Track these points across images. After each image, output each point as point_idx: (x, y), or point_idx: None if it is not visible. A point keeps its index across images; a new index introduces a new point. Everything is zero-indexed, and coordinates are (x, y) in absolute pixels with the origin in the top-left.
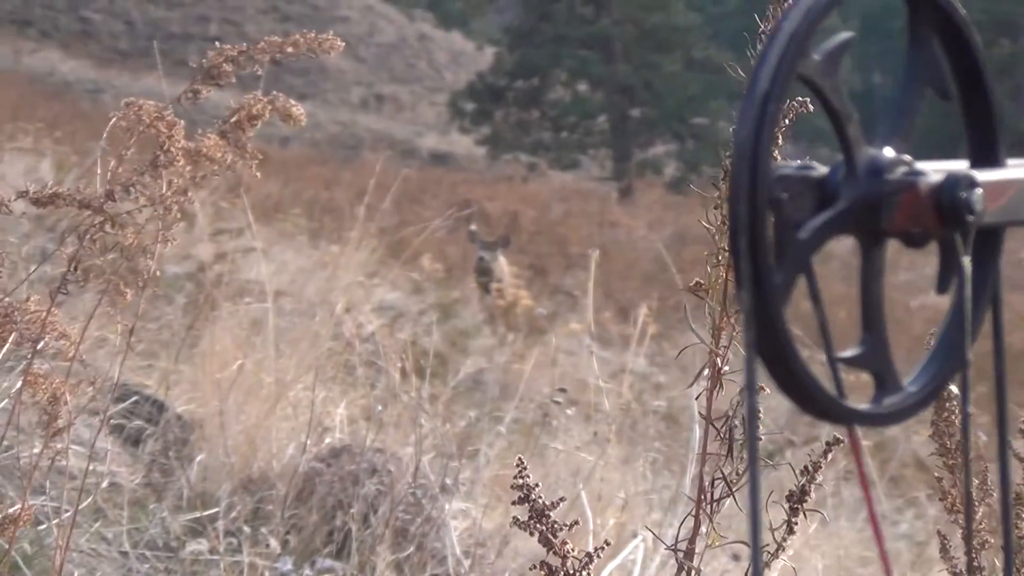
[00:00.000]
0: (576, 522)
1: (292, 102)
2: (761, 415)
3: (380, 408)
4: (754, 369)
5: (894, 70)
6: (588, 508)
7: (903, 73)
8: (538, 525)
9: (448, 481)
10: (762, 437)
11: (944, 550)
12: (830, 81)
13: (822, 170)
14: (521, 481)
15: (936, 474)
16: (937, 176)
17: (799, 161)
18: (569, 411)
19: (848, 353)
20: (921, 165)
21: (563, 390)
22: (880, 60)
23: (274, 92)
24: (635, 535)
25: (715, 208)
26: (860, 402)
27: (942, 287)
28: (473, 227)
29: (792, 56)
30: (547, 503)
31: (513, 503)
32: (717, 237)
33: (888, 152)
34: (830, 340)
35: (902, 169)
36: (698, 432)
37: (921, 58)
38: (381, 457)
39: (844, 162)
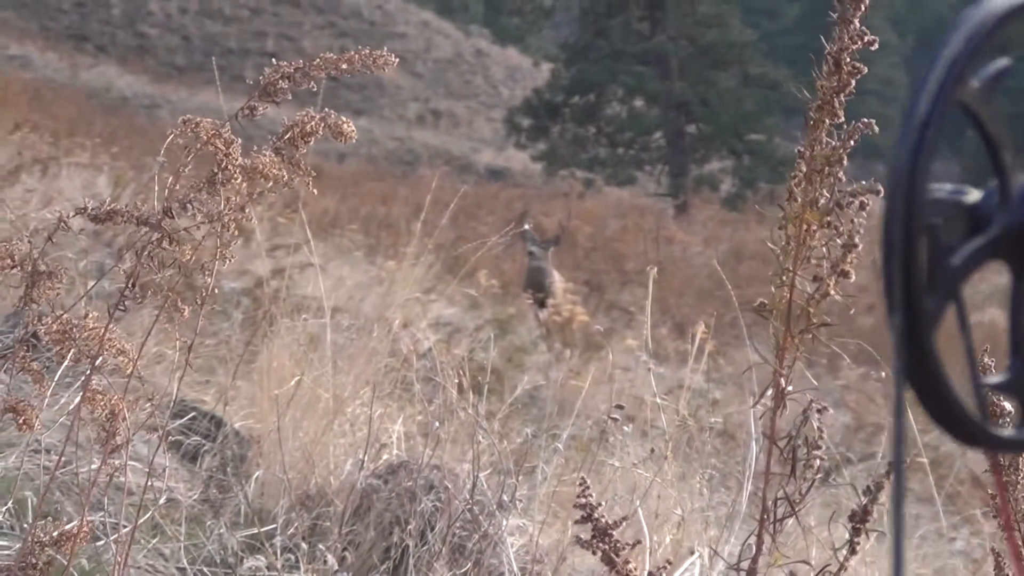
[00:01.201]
0: (638, 541)
1: (344, 119)
2: (824, 434)
3: (437, 424)
4: (903, 394)
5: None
6: (645, 525)
7: None
8: (601, 544)
9: (505, 498)
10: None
11: (998, 567)
12: (988, 107)
13: (975, 195)
14: (584, 500)
15: (990, 491)
16: None
17: (951, 185)
18: (626, 428)
19: (996, 379)
20: None
21: (620, 406)
22: None
23: (329, 108)
24: (692, 552)
25: (779, 228)
26: (1006, 429)
27: None
28: (526, 226)
29: (952, 82)
30: (610, 522)
31: (576, 522)
32: (781, 256)
33: None
34: (977, 366)
35: None
36: (755, 449)
37: None
38: (438, 473)
39: (998, 188)
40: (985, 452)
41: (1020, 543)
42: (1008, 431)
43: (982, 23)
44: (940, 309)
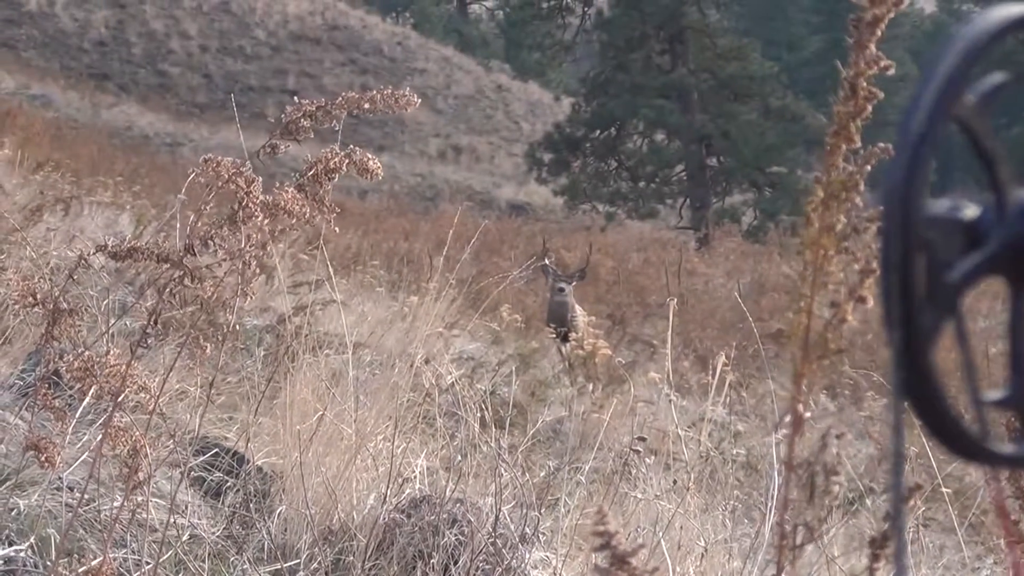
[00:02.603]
0: (656, 568)
1: (369, 156)
2: (843, 460)
3: (460, 458)
4: (901, 410)
5: (1014, 112)
6: (668, 556)
7: None
8: (619, 572)
9: (528, 531)
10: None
11: None
12: (983, 123)
13: (973, 211)
14: (602, 528)
15: (1014, 518)
16: None
17: (948, 200)
18: (648, 460)
19: (995, 396)
20: None
21: (642, 439)
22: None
23: (351, 145)
24: None
25: (797, 254)
26: (1006, 445)
27: None
28: (547, 262)
29: (948, 98)
30: (627, 549)
31: (594, 549)
32: (799, 283)
33: None
34: (976, 382)
35: None
36: (777, 480)
37: None
38: (461, 507)
39: (995, 204)
40: (984, 469)
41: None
42: (1008, 448)
43: (976, 38)
44: (938, 325)
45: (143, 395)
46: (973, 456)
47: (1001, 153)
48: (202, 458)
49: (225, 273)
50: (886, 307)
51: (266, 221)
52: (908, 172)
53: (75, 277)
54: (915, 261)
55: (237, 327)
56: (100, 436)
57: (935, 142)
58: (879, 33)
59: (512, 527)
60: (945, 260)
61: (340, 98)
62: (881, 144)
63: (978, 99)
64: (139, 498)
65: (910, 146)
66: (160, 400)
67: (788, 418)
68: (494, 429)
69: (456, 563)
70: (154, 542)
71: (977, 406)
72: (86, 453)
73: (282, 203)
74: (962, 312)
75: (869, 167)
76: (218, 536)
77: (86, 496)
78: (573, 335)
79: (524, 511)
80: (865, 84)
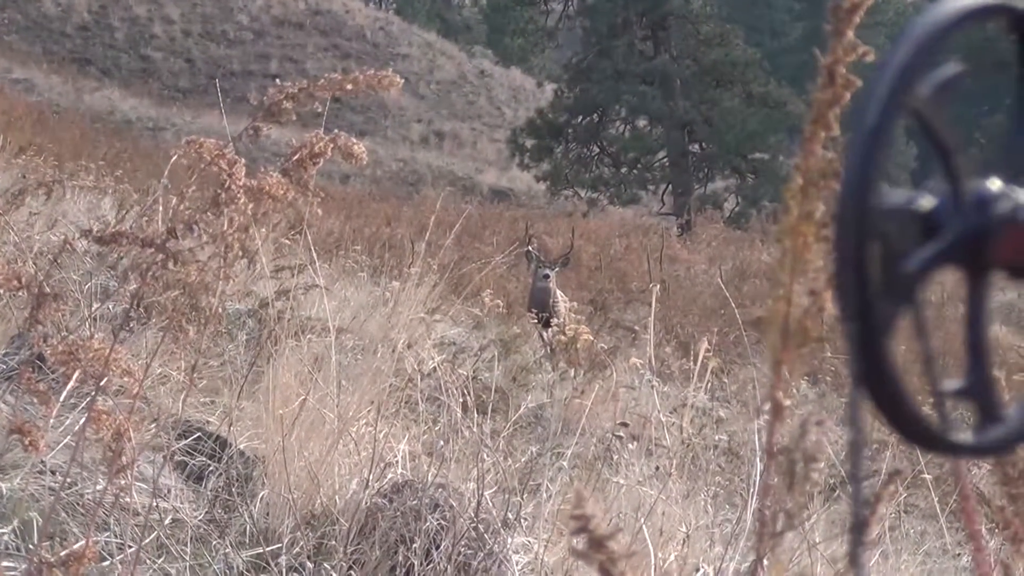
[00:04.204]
0: (635, 552)
1: (353, 140)
2: (823, 447)
3: (442, 443)
4: (859, 402)
5: (995, 100)
6: (650, 542)
7: (1012, 105)
8: (597, 555)
9: (510, 516)
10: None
11: None
12: (939, 114)
13: (928, 202)
14: (579, 511)
15: (998, 503)
16: None
17: (904, 191)
18: (630, 445)
19: (953, 385)
20: None
21: (624, 424)
22: (984, 92)
23: (335, 129)
24: (697, 570)
25: (777, 241)
26: (965, 435)
27: None
28: (530, 248)
29: (902, 89)
30: (605, 532)
31: (571, 532)
32: (778, 270)
33: (994, 184)
34: (936, 372)
35: (1008, 202)
36: (759, 467)
37: None
38: (443, 492)
39: (950, 194)
40: (944, 458)
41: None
42: (967, 437)
43: (930, 30)
44: (894, 315)
45: (126, 379)
46: (933, 446)
47: (957, 144)
48: (184, 442)
49: (209, 257)
50: (841, 298)
51: (249, 205)
52: (862, 164)
53: (59, 261)
54: (870, 252)
55: (220, 311)
56: (83, 420)
57: (889, 134)
58: (857, 20)
59: (494, 512)
60: (901, 251)
61: (323, 80)
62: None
63: (932, 90)
64: (122, 482)
65: (864, 138)
66: (143, 384)
67: (768, 405)
68: (476, 414)
69: (438, 548)
70: (137, 526)
71: (937, 396)
72: (69, 437)
73: (266, 187)
74: (920, 302)
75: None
76: (200, 520)
77: (69, 479)
78: (555, 320)
79: (506, 496)
80: (843, 71)
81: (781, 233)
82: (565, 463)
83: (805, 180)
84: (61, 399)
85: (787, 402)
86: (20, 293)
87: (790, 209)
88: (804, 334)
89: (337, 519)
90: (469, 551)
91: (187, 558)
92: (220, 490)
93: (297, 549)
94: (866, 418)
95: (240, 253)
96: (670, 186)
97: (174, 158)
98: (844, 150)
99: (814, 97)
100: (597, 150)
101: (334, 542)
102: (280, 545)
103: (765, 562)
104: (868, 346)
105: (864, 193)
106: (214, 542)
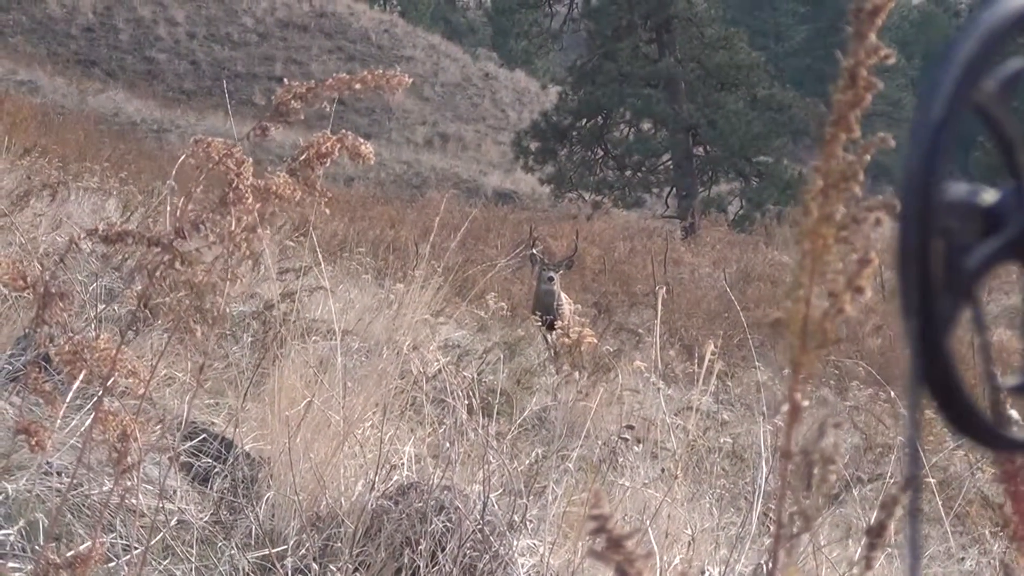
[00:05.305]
0: (650, 552)
1: (361, 140)
2: (839, 449)
3: (447, 445)
4: (918, 398)
5: None
6: (656, 545)
7: None
8: (614, 556)
9: (515, 518)
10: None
11: None
12: (1004, 109)
13: (991, 196)
14: (597, 511)
15: (1001, 502)
16: None
17: (967, 186)
18: (635, 448)
19: (1013, 382)
20: None
21: (630, 427)
22: None
23: (341, 131)
24: (702, 572)
25: (796, 243)
26: (1022, 432)
27: None
28: (534, 250)
29: (967, 84)
30: (623, 533)
31: (589, 532)
32: (798, 272)
33: None
34: (993, 369)
35: None
36: (764, 470)
37: None
38: (449, 494)
39: (1014, 189)
40: (1000, 454)
41: None
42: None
43: (997, 24)
44: (956, 311)
45: (132, 380)
46: (990, 443)
47: (1021, 139)
48: (190, 444)
49: (215, 258)
50: (903, 295)
51: (257, 204)
52: (927, 159)
53: (65, 261)
54: (933, 248)
55: (225, 311)
56: (89, 421)
57: (954, 129)
58: (879, 22)
59: (500, 514)
60: (962, 246)
61: (331, 79)
62: (880, 134)
63: (997, 85)
64: (128, 483)
65: (929, 133)
66: (149, 385)
67: (785, 407)
68: (481, 417)
69: (444, 550)
70: (143, 527)
71: (993, 392)
72: (75, 438)
73: (274, 187)
74: (980, 298)
75: (868, 156)
76: (206, 522)
77: (75, 480)
78: (559, 323)
79: (511, 498)
80: (865, 73)
81: (800, 235)
82: (570, 465)
83: (826, 182)
84: (67, 400)
85: (805, 403)
86: (26, 293)
87: (810, 211)
88: (823, 336)
89: (343, 521)
90: (475, 553)
91: (193, 559)
92: (226, 492)
93: (303, 551)
94: (923, 415)
95: (247, 253)
96: (674, 189)
97: (182, 158)
98: (907, 145)
99: (835, 99)
100: (601, 153)
101: (340, 544)
102: (286, 547)
103: (780, 564)
104: (929, 342)
105: (929, 189)
106: (220, 543)
